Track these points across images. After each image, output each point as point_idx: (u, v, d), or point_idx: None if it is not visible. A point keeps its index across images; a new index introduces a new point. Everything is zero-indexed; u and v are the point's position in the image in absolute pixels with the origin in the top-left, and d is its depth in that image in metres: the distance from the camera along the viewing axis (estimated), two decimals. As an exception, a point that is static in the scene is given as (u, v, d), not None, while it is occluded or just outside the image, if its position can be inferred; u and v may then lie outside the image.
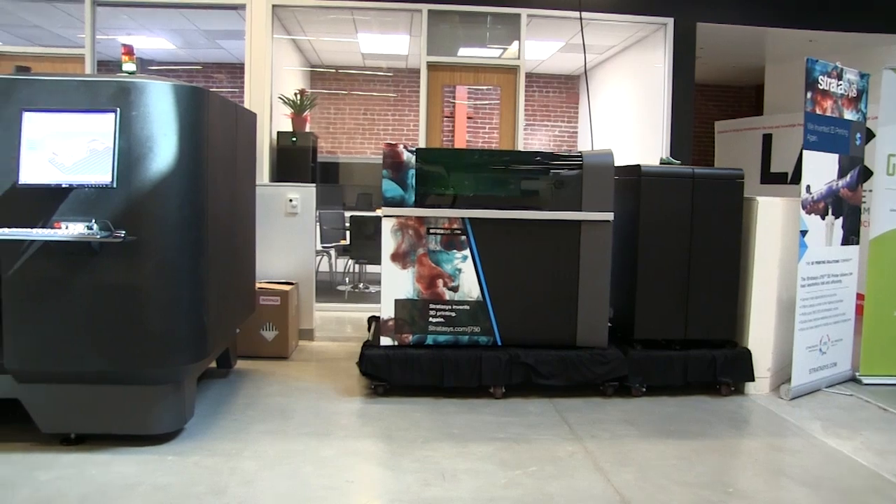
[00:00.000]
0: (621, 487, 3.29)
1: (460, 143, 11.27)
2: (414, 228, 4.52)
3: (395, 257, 4.54)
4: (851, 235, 5.17)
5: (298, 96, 8.71)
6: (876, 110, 5.36)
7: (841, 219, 5.05)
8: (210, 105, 3.71)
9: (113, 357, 3.43)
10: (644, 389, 4.67)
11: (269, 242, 5.72)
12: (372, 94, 11.46)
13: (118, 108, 3.34)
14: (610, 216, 4.57)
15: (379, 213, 4.74)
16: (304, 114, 8.74)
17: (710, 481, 3.39)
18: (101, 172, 3.32)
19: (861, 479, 3.51)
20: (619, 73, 9.74)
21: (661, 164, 5.17)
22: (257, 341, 5.38)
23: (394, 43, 9.60)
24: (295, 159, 8.33)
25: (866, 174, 5.41)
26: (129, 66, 3.67)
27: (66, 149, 3.33)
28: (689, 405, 4.55)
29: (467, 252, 4.54)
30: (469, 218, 4.53)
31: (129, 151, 3.36)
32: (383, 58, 10.74)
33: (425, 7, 7.16)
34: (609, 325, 4.70)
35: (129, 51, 3.70)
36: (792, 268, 4.76)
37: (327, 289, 8.64)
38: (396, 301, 4.55)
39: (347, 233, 8.64)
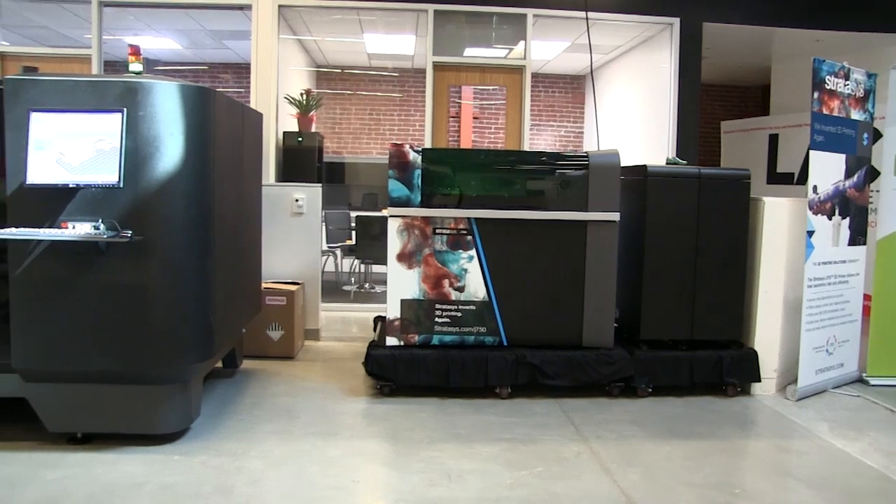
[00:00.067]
0: (627, 488, 3.28)
1: (466, 143, 11.27)
2: (420, 228, 4.52)
3: (401, 257, 4.54)
4: (858, 236, 5.15)
5: (304, 96, 8.73)
6: (883, 110, 5.33)
7: (848, 219, 5.03)
8: (216, 105, 3.72)
9: (119, 356, 3.44)
10: (650, 390, 4.66)
11: (275, 242, 5.72)
12: (378, 94, 11.47)
13: (125, 108, 3.35)
14: (616, 216, 4.56)
15: (385, 213, 4.73)
16: (310, 114, 8.75)
17: (716, 482, 3.38)
18: (107, 172, 3.33)
19: (868, 480, 3.50)
20: (625, 74, 9.72)
21: (667, 164, 5.15)
22: (263, 341, 5.39)
23: (399, 43, 9.61)
24: (301, 159, 8.35)
25: (873, 174, 5.40)
26: (135, 67, 3.68)
27: (73, 149, 3.34)
28: (695, 406, 4.54)
29: (473, 252, 4.54)
30: (475, 218, 4.53)
31: (135, 151, 3.37)
32: (389, 58, 10.74)
33: (431, 7, 7.15)
34: (615, 325, 4.70)
35: (135, 51, 3.71)
36: (798, 268, 4.74)
37: (333, 289, 8.65)
38: (402, 301, 4.55)
39: (353, 233, 8.64)
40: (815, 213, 4.75)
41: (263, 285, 5.35)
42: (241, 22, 7.79)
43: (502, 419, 4.17)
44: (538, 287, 4.58)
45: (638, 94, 9.15)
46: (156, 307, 3.48)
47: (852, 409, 4.62)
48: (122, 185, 3.34)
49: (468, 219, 4.52)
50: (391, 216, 4.53)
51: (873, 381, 5.11)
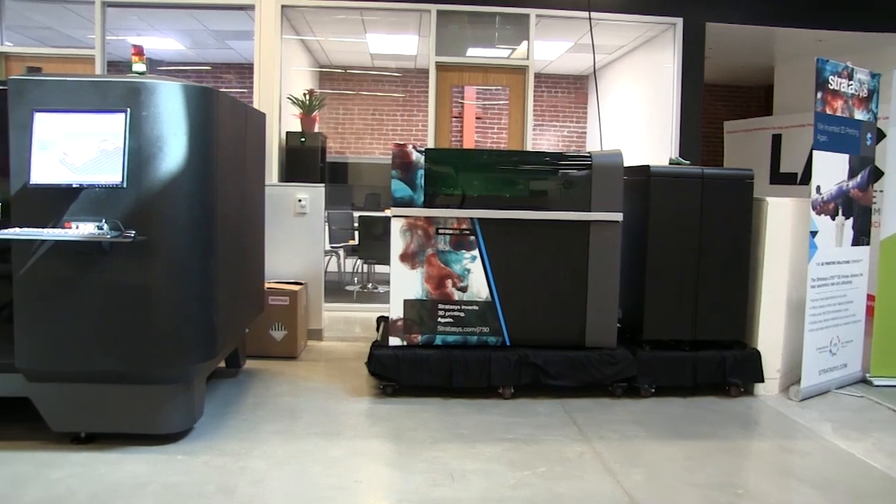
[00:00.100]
0: (630, 488, 3.28)
1: (469, 143, 11.26)
2: (423, 229, 4.52)
3: (404, 257, 4.54)
4: (862, 236, 5.15)
5: (307, 96, 8.73)
6: (887, 110, 5.32)
7: (851, 219, 5.02)
8: (220, 105, 3.72)
9: (123, 356, 3.45)
10: (653, 390, 4.65)
11: (278, 242, 5.73)
12: (381, 94, 11.47)
13: (128, 109, 3.36)
14: (619, 216, 4.56)
15: (388, 213, 4.74)
16: (313, 114, 8.76)
17: (719, 483, 3.38)
18: (111, 172, 3.34)
19: (872, 481, 3.49)
20: (628, 74, 9.71)
21: (670, 164, 5.15)
22: (266, 341, 5.39)
23: (402, 43, 9.60)
24: (304, 159, 8.35)
25: (877, 175, 5.38)
26: (139, 67, 3.69)
27: (76, 149, 3.34)
28: (698, 406, 4.54)
29: (476, 252, 4.54)
30: (478, 218, 4.52)
31: (139, 151, 3.38)
32: (392, 58, 10.74)
33: (434, 7, 7.15)
34: (618, 325, 4.69)
35: (139, 51, 3.72)
36: (802, 269, 4.73)
37: (336, 289, 8.64)
38: (405, 301, 4.55)
39: (356, 233, 8.65)
40: (819, 214, 4.74)
41: (266, 285, 5.35)
42: (244, 22, 7.79)
43: (505, 419, 4.17)
44: (541, 287, 4.58)
45: (641, 94, 9.14)
46: (159, 307, 3.49)
47: (856, 409, 4.61)
48: (125, 186, 3.34)
49: (471, 219, 4.52)
50: (394, 216, 4.53)
51: (877, 382, 5.10)
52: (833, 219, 4.88)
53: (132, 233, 3.34)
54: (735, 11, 7.38)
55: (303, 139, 8.37)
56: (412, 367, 4.46)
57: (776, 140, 9.50)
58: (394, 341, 4.57)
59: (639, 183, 4.74)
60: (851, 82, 4.97)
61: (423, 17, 7.60)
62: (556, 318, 4.60)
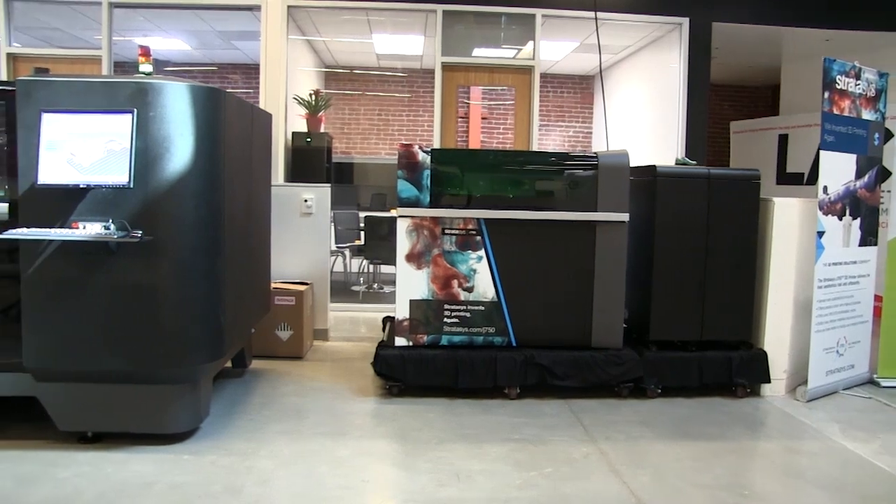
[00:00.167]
0: (637, 489, 3.27)
1: (475, 143, 11.27)
2: (429, 229, 4.52)
3: (410, 258, 4.54)
4: (869, 237, 5.13)
5: (313, 97, 8.74)
6: (895, 110, 5.30)
7: (858, 220, 5.01)
8: (226, 105, 3.73)
9: (130, 356, 3.46)
10: (659, 391, 4.64)
11: (284, 242, 5.74)
12: (386, 94, 11.48)
13: (135, 109, 3.37)
14: (625, 217, 4.55)
15: (394, 213, 4.74)
16: (319, 114, 8.76)
17: (726, 483, 3.37)
18: (118, 173, 3.35)
19: (880, 482, 3.48)
20: (634, 74, 9.70)
21: (676, 164, 5.14)
22: (272, 341, 5.40)
23: (408, 43, 9.61)
24: (310, 160, 8.37)
25: (884, 175, 5.37)
26: (145, 67, 3.69)
27: (83, 149, 3.35)
28: (704, 407, 4.52)
29: (482, 252, 4.54)
30: (484, 218, 4.52)
31: (146, 152, 3.39)
32: (398, 58, 10.75)
33: (440, 7, 7.16)
34: (624, 326, 4.69)
35: (145, 52, 3.72)
36: (808, 269, 4.72)
37: (342, 289, 8.66)
38: (411, 301, 4.55)
39: (362, 233, 8.66)
40: (826, 214, 4.72)
41: (272, 285, 5.36)
42: (251, 23, 7.81)
43: (511, 419, 4.17)
44: (547, 287, 4.57)
45: (647, 94, 9.13)
46: (166, 307, 3.50)
47: (863, 410, 4.59)
48: (132, 186, 3.35)
49: (477, 219, 4.52)
50: (400, 216, 4.53)
51: (884, 383, 5.08)
52: (840, 219, 4.86)
53: (139, 233, 3.35)
54: (742, 11, 7.37)
55: (309, 139, 8.38)
56: (418, 368, 4.46)
57: (783, 140, 9.48)
58: (399, 341, 4.57)
59: (645, 183, 4.74)
60: (859, 82, 4.95)
61: (428, 18, 7.61)
62: (562, 318, 4.60)
